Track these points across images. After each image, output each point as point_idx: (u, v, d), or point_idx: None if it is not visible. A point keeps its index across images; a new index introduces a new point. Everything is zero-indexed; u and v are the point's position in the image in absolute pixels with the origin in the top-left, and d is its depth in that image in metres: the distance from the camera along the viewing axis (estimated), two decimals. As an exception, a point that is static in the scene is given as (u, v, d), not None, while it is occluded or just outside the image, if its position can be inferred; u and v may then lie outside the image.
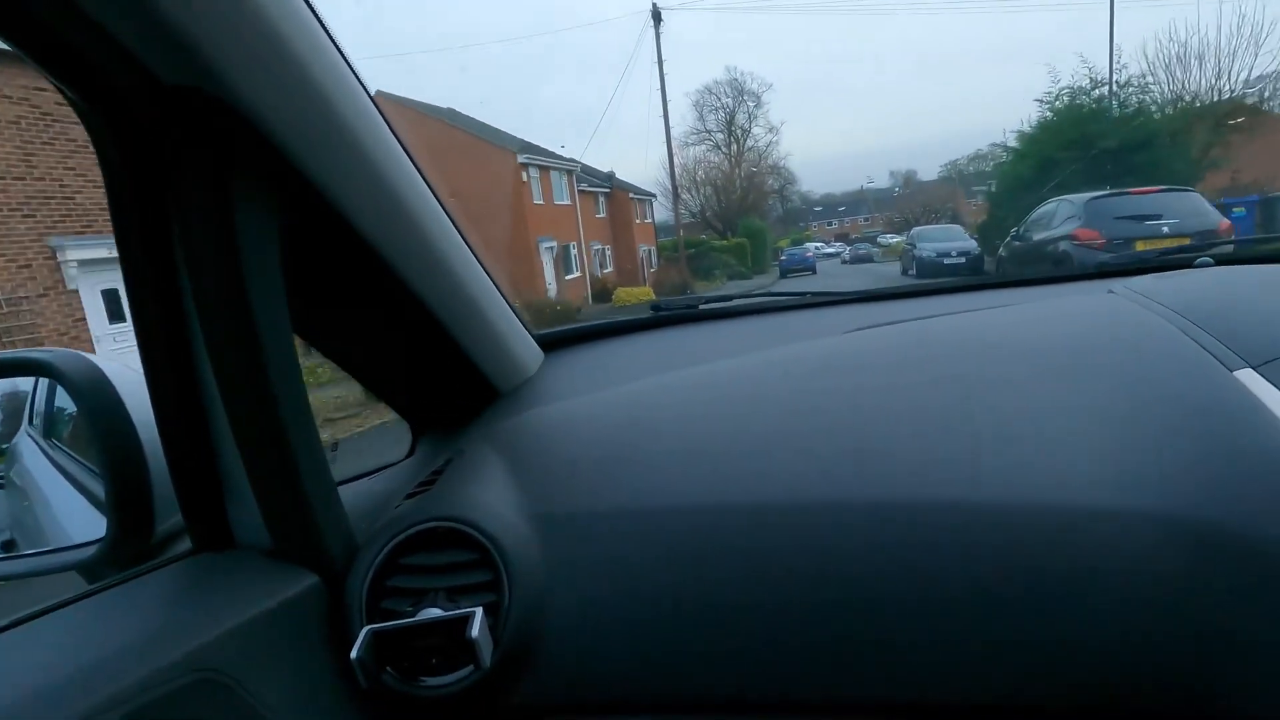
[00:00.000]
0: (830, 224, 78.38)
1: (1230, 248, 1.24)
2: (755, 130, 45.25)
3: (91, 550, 0.70)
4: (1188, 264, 1.08)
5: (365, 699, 0.60)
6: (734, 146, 43.15)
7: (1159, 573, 0.52)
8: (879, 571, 0.57)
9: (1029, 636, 0.53)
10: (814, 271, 27.60)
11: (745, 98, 45.42)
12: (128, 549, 0.68)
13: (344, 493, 0.68)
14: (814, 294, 1.30)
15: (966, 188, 62.08)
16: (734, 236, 35.29)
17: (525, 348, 1.02)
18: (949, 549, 0.56)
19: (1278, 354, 0.61)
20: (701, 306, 1.31)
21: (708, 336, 1.20)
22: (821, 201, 79.17)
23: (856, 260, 37.31)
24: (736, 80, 46.34)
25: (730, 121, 45.45)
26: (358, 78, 0.64)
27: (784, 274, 28.16)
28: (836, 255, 48.02)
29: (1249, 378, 0.59)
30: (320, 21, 0.58)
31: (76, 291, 9.20)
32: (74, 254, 9.03)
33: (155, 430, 0.65)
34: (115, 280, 8.94)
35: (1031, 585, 0.54)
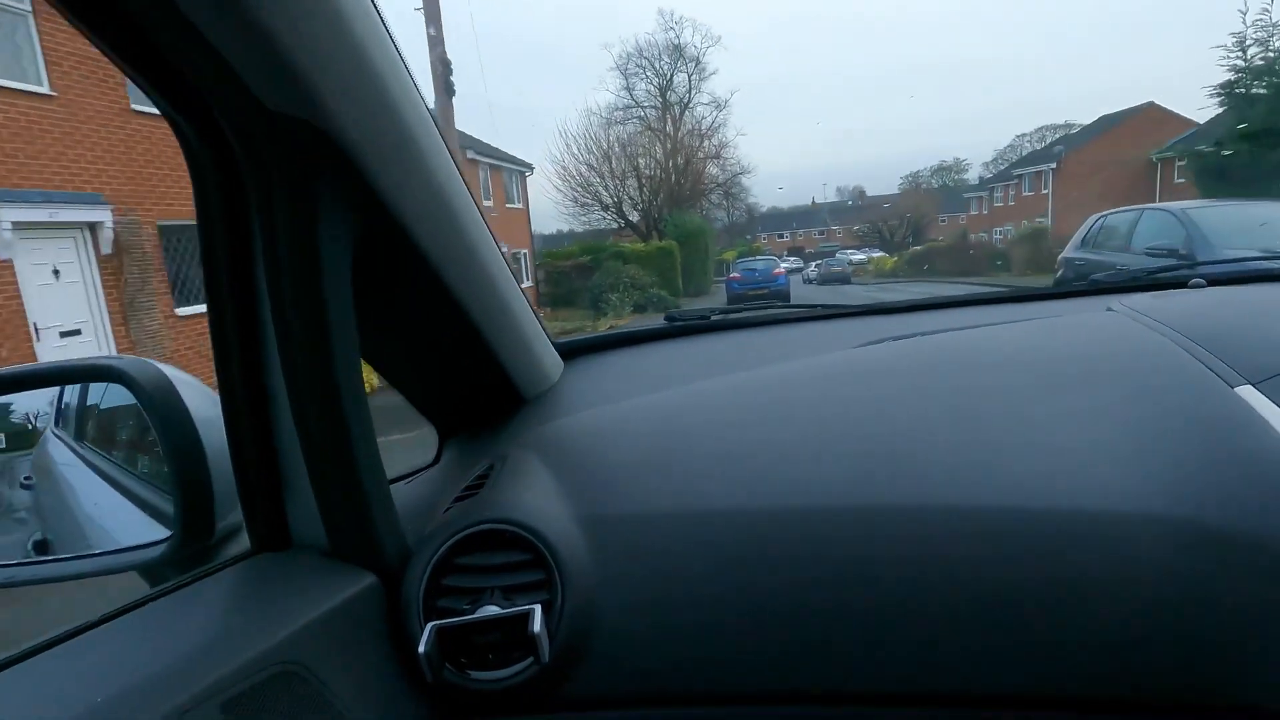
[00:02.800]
0: (781, 236, 72.77)
1: (1217, 269, 1.27)
2: (697, 104, 37.66)
3: (159, 550, 0.72)
4: (1182, 284, 1.15)
5: (424, 692, 0.63)
6: (669, 124, 35.34)
7: (1170, 570, 0.56)
8: (914, 572, 0.61)
9: (1053, 630, 0.57)
10: (784, 298, 17.21)
11: (684, 61, 37.08)
12: (190, 549, 0.71)
13: None
14: (822, 306, 1.36)
15: (950, 198, 56.46)
16: (661, 239, 25.82)
17: (550, 356, 1.06)
18: (979, 551, 0.60)
19: (1276, 372, 0.65)
20: (714, 318, 1.35)
21: (721, 347, 1.24)
22: (769, 214, 73.61)
23: (828, 280, 30.87)
24: (675, 41, 37.24)
25: (665, 88, 36.79)
26: (420, 95, 0.67)
27: (734, 301, 17.64)
28: (793, 271, 42.60)
29: (1250, 394, 0.64)
30: (396, 45, 0.62)
31: (11, 264, 7.81)
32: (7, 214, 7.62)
33: (212, 436, 0.69)
34: (67, 255, 8.62)
35: (1055, 583, 0.58)
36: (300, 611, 0.58)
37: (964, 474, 0.65)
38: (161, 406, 0.71)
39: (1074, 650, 0.57)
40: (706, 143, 35.26)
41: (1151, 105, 33.04)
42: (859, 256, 47.58)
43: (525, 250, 23.67)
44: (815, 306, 1.36)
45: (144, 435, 0.80)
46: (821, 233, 71.34)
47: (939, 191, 59.59)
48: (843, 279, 31.31)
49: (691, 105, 37.06)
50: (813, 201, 75.17)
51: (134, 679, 0.47)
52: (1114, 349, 0.79)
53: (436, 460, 0.99)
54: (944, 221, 54.30)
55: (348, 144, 0.57)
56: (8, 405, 0.92)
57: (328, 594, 0.61)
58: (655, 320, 1.36)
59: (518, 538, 0.67)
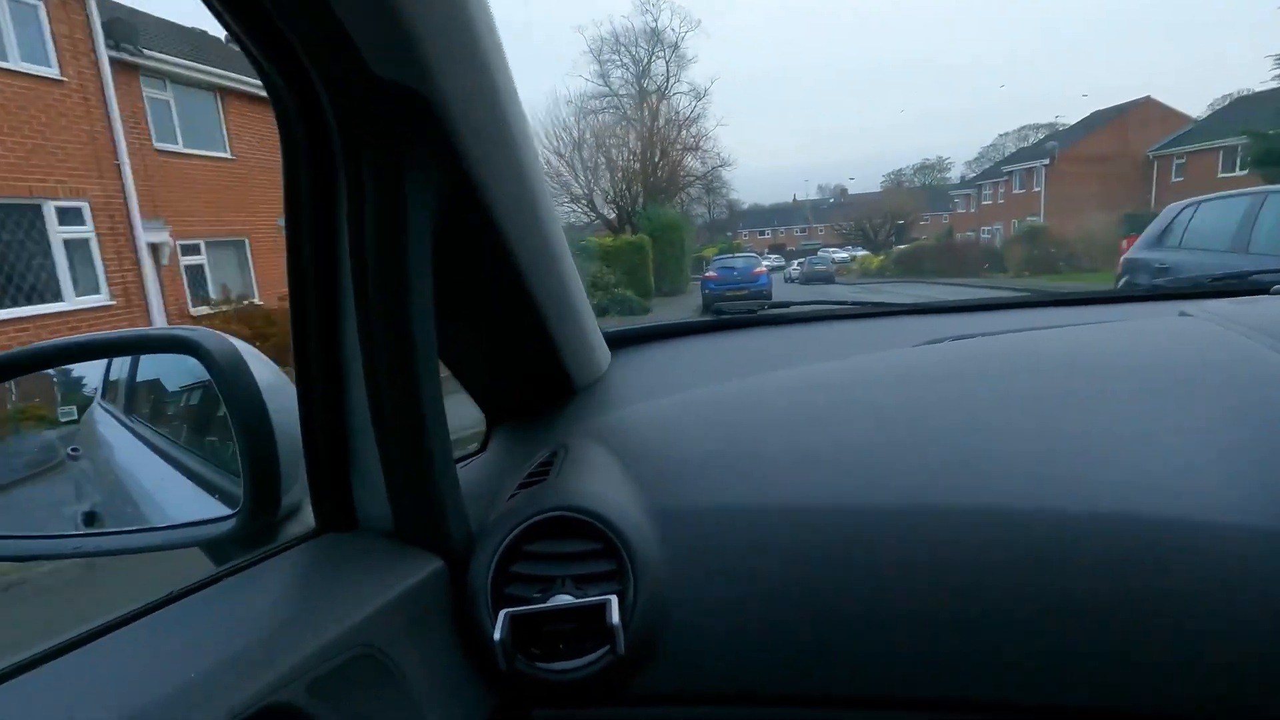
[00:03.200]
0: (763, 233, 71.45)
1: None
2: (675, 93, 35.62)
3: (226, 526, 0.71)
4: (1261, 290, 1.11)
5: (492, 680, 0.62)
6: (645, 113, 33.16)
7: (1269, 586, 0.54)
8: (994, 578, 0.58)
9: (1146, 646, 0.55)
10: (765, 296, 15.61)
11: (662, 47, 34.98)
12: (256, 526, 0.71)
13: None
14: (872, 304, 1.35)
15: (936, 196, 55.31)
16: (634, 233, 23.47)
17: (601, 347, 1.06)
18: (1065, 558, 0.58)
19: None
20: (760, 312, 1.38)
21: (771, 341, 1.23)
22: (750, 211, 72.15)
23: (812, 280, 29.72)
24: (653, 25, 35.41)
25: (643, 75, 34.61)
26: (512, 76, 0.66)
27: (710, 303, 16.72)
28: (775, 269, 40.86)
29: None
30: (493, 22, 0.61)
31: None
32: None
33: (279, 412, 0.69)
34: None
35: (1148, 596, 0.55)
36: (372, 593, 0.57)
37: (1049, 478, 0.63)
38: (232, 380, 0.70)
39: (1164, 667, 0.55)
40: (684, 133, 33.19)
41: (1148, 100, 31.78)
42: (842, 255, 46.37)
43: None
44: (865, 304, 1.36)
45: (201, 410, 0.80)
46: (803, 230, 70.39)
47: (924, 190, 58.31)
48: (826, 278, 29.83)
49: (669, 94, 34.95)
50: (794, 199, 74.27)
51: (217, 657, 0.47)
52: (1203, 355, 0.77)
53: (484, 447, 0.97)
54: (926, 221, 52.99)
55: (446, 115, 0.56)
56: (79, 377, 0.91)
57: (396, 577, 0.60)
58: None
59: (588, 526, 0.65)
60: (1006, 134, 56.07)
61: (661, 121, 32.56)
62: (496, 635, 0.59)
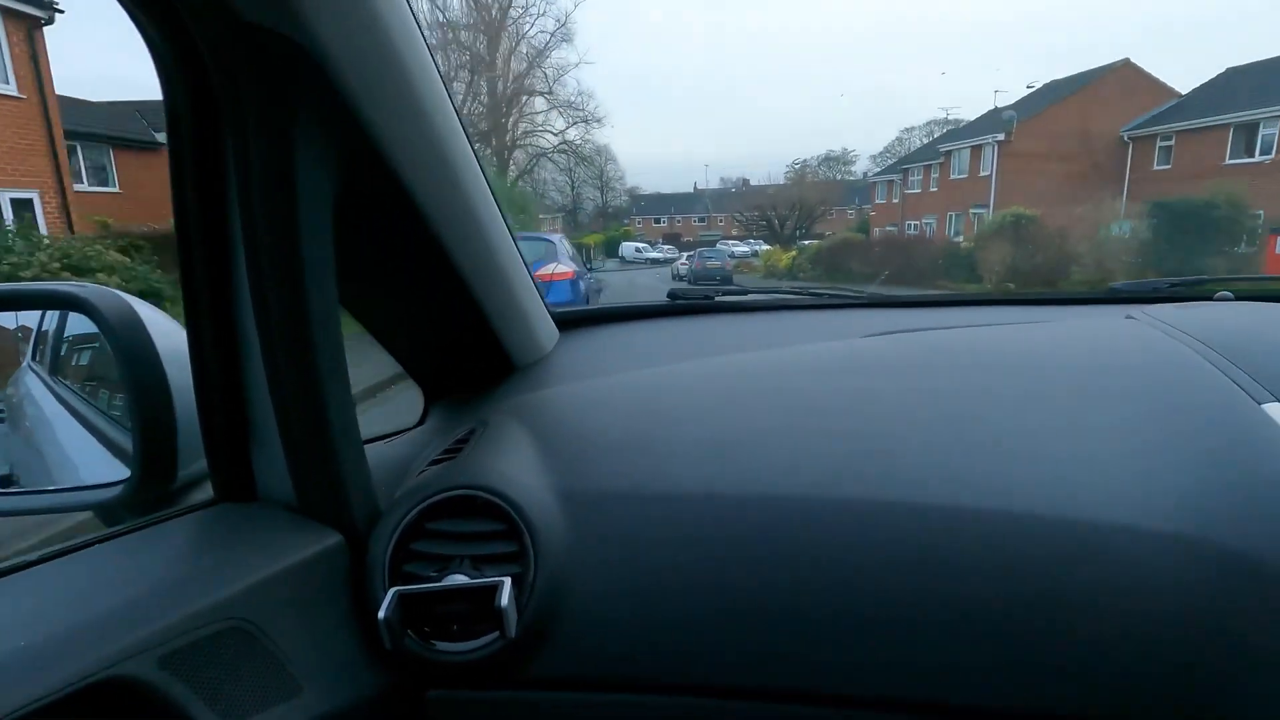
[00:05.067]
0: (659, 221, 63.63)
1: (1244, 283, 1.21)
2: (537, 31, 26.66)
3: (115, 491, 0.69)
4: (1206, 297, 1.11)
5: (383, 659, 0.61)
6: (479, 44, 23.95)
7: (1183, 592, 0.54)
8: (902, 572, 0.58)
9: (1048, 643, 0.55)
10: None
11: None
12: (150, 493, 0.68)
13: None
14: (829, 294, 1.34)
15: (852, 187, 48.62)
16: None
17: (544, 324, 1.03)
18: (975, 555, 0.58)
19: None
20: (718, 299, 1.32)
21: (723, 328, 1.21)
22: (646, 198, 64.33)
23: (704, 278, 23.77)
24: None
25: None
26: (422, 33, 0.63)
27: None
28: (667, 262, 34.24)
29: (1276, 411, 0.63)
30: None
31: None
32: None
33: (181, 377, 0.66)
34: None
35: (1056, 595, 0.55)
36: (257, 566, 0.56)
37: (965, 475, 0.63)
38: (125, 340, 0.67)
39: (1065, 664, 0.55)
40: (536, 70, 23.96)
41: (1126, 64, 25.01)
42: (743, 249, 38.87)
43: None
44: (822, 294, 1.35)
45: (109, 370, 0.77)
46: (702, 220, 62.86)
47: (838, 182, 51.64)
48: (723, 276, 23.63)
49: (525, 30, 25.55)
50: (695, 187, 67.17)
51: (65, 624, 0.45)
52: (1137, 358, 0.77)
53: (421, 422, 0.95)
54: (833, 215, 46.01)
55: (330, 64, 0.53)
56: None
57: (289, 550, 0.58)
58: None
59: (492, 506, 0.64)
60: (912, 129, 51.19)
61: (503, 55, 23.18)
62: (381, 614, 0.58)
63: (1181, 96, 24.23)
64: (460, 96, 21.89)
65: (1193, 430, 0.63)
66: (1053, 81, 28.34)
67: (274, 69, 0.52)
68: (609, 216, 49.75)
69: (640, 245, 47.27)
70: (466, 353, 0.92)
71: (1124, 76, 25.02)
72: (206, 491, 0.68)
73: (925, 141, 41.55)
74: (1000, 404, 0.70)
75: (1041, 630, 0.55)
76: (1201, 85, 23.90)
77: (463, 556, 0.62)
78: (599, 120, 29.21)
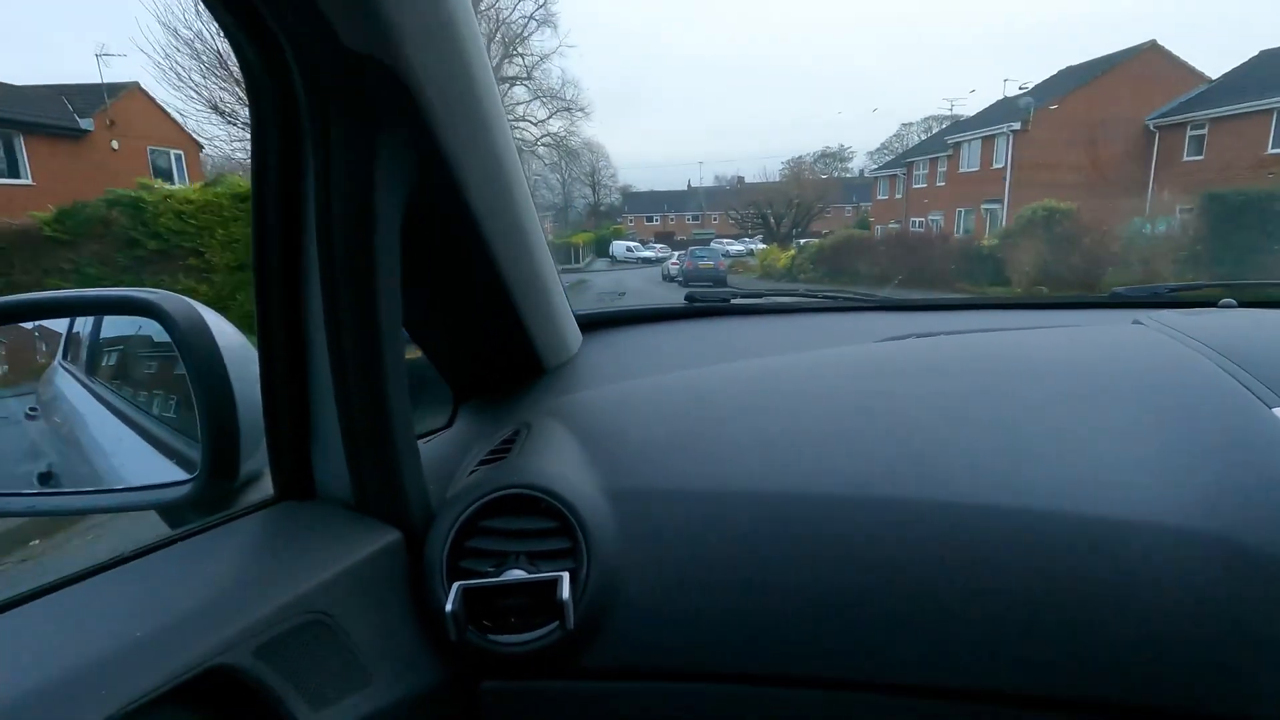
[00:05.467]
0: (651, 219, 62.03)
1: (1245, 289, 1.24)
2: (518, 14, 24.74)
3: (183, 490, 0.71)
4: (1211, 303, 1.14)
5: (444, 651, 0.63)
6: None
7: (1195, 585, 0.57)
8: (935, 567, 0.61)
9: (1070, 633, 0.58)
10: None
11: None
12: (214, 492, 0.70)
13: None
14: (843, 297, 1.36)
15: (852, 184, 47.33)
16: None
17: (572, 328, 1.06)
18: (1001, 550, 0.61)
19: None
20: (734, 300, 1.33)
21: (742, 330, 1.23)
22: (637, 195, 62.92)
23: (696, 279, 21.28)
24: None
25: None
26: (486, 54, 0.66)
27: None
28: (658, 262, 32.93)
29: None
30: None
31: None
32: None
33: (241, 379, 0.69)
34: None
35: (1078, 588, 0.59)
36: (327, 561, 0.57)
37: (991, 474, 0.65)
38: (194, 344, 0.69)
39: (1086, 653, 0.57)
40: (515, 57, 22.06)
41: (1152, 47, 23.14)
42: (738, 248, 37.04)
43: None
44: (834, 297, 1.36)
45: (163, 374, 0.78)
46: (696, 218, 61.18)
47: (836, 180, 49.87)
48: (716, 278, 20.08)
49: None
50: (688, 184, 65.64)
51: (166, 618, 0.48)
52: (1148, 362, 0.79)
53: (450, 423, 0.96)
54: (829, 213, 44.23)
55: (416, 90, 0.56)
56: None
57: (352, 546, 0.60)
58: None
59: (545, 504, 0.66)
60: (910, 124, 49.83)
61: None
62: (448, 607, 0.60)
63: (1212, 81, 22.40)
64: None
65: (1206, 432, 0.66)
66: (1070, 67, 26.34)
67: (364, 91, 0.54)
68: (601, 215, 48.42)
69: (632, 244, 45.84)
70: (500, 355, 0.94)
71: (1149, 61, 23.17)
72: (263, 489, 0.71)
73: (924, 137, 39.85)
74: (1020, 407, 0.73)
75: (1065, 621, 0.58)
76: (1234, 69, 22.08)
77: (518, 553, 0.64)
78: (583, 109, 27.36)
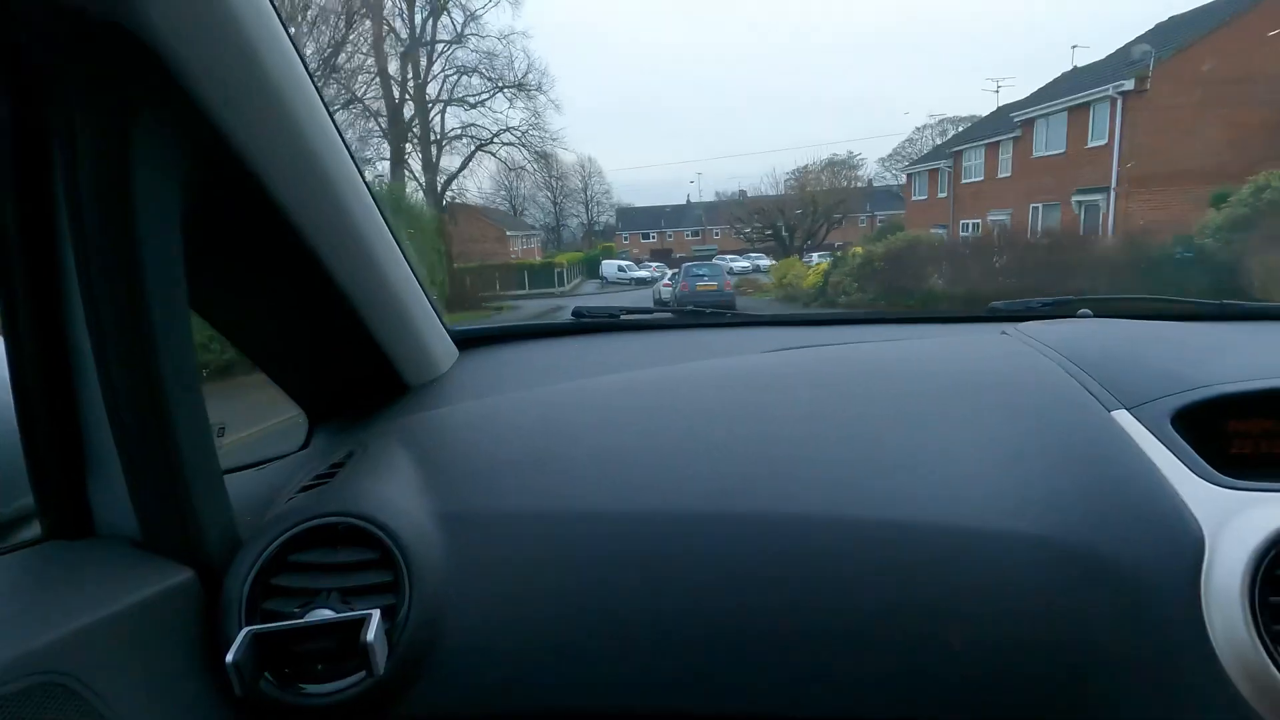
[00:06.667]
0: (647, 236, 56.44)
1: (1102, 302, 1.24)
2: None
3: None
4: (1070, 314, 1.18)
5: (239, 707, 0.58)
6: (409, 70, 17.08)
7: (1041, 590, 0.58)
8: (787, 586, 0.60)
9: (923, 650, 0.57)
10: None
11: None
12: None
13: (230, 483, 0.64)
14: (732, 313, 1.34)
15: (882, 194, 41.46)
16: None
17: (439, 342, 1.00)
18: (858, 564, 0.60)
19: (1148, 398, 0.68)
20: (623, 316, 1.31)
21: (628, 346, 1.20)
22: (631, 211, 58.11)
23: (694, 305, 11.88)
24: None
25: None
26: (290, 38, 0.60)
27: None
28: (651, 281, 29.12)
29: (1123, 418, 0.67)
30: None
31: None
32: None
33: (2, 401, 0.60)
34: None
35: (931, 601, 0.59)
36: (82, 611, 0.51)
37: (847, 486, 0.64)
38: None
39: (939, 672, 0.57)
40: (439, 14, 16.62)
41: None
42: (743, 264, 31.25)
43: None
44: (728, 312, 1.34)
45: None
46: (695, 233, 55.48)
47: (854, 189, 44.12)
48: (724, 302, 15.77)
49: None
50: (687, 199, 60.21)
51: None
52: (1001, 369, 0.81)
53: (304, 446, 0.91)
54: (842, 225, 38.29)
55: (170, 58, 0.50)
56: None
57: (126, 590, 0.54)
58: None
59: (365, 533, 0.61)
60: (923, 127, 44.49)
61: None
62: (230, 657, 0.54)
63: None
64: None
65: (1054, 437, 0.67)
66: (1192, 10, 20.22)
67: (105, 59, 0.49)
68: (596, 234, 43.96)
69: (624, 264, 40.06)
70: (352, 372, 0.88)
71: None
72: (35, 530, 0.63)
73: (939, 142, 33.85)
74: (881, 417, 0.73)
75: (917, 636, 0.57)
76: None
77: (331, 590, 0.59)
78: (550, 98, 21.83)
